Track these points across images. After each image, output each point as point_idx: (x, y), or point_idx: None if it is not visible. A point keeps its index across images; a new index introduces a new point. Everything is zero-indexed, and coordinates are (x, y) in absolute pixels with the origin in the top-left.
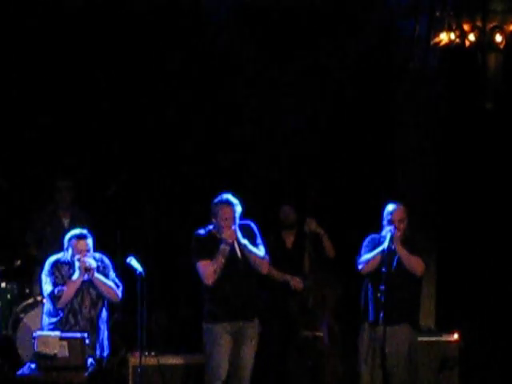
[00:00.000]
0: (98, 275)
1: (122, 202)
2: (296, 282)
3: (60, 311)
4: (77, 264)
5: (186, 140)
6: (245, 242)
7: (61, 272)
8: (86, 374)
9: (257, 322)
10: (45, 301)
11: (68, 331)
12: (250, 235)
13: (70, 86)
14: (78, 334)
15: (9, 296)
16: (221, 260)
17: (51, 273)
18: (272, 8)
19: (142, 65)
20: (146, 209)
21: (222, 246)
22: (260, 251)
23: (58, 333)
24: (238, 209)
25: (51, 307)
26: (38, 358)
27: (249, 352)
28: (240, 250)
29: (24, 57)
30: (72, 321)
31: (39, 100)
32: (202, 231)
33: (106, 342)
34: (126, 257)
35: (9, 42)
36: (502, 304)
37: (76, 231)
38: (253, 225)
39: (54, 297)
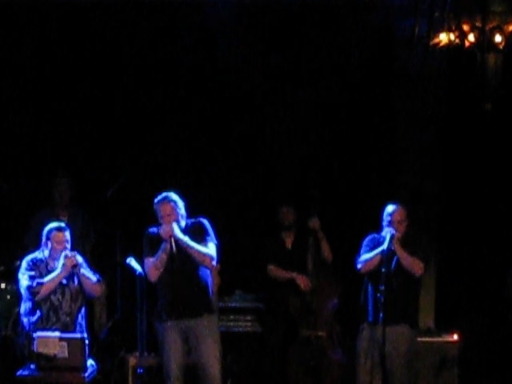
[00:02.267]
0: (83, 270)
1: (123, 202)
2: (304, 281)
3: (38, 310)
4: (62, 260)
5: (186, 140)
6: (183, 237)
7: (38, 269)
8: (86, 375)
9: (211, 317)
10: (22, 301)
11: (50, 328)
12: (198, 232)
13: (69, 86)
14: (78, 335)
15: (9, 297)
16: (161, 256)
17: (28, 269)
18: (271, 7)
19: (143, 66)
20: (145, 209)
21: (164, 243)
22: (205, 247)
23: (57, 333)
24: (179, 205)
25: (29, 304)
26: (38, 358)
27: (207, 349)
28: (178, 246)
29: (23, 57)
30: (53, 318)
31: (39, 100)
32: (152, 229)
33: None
34: (126, 257)
35: (9, 40)
36: (501, 304)
37: (54, 224)
38: (204, 221)
39: (32, 290)
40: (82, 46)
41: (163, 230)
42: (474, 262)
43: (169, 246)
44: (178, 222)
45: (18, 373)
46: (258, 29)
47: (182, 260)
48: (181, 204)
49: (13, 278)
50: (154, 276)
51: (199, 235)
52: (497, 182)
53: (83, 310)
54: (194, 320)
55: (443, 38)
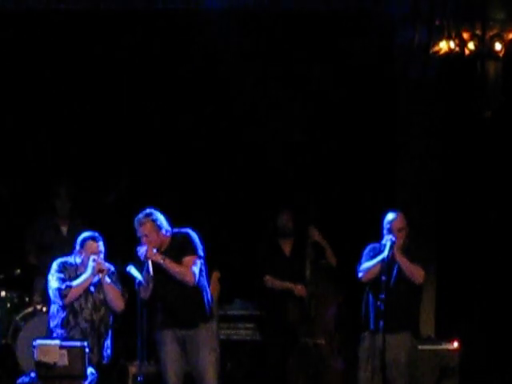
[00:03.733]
0: (108, 279)
1: (122, 209)
2: (299, 289)
3: (65, 311)
4: (91, 263)
5: (187, 146)
6: (159, 259)
7: (68, 273)
8: (87, 383)
9: (208, 326)
10: (52, 304)
11: (68, 331)
12: (183, 245)
13: (71, 93)
14: (78, 343)
15: (8, 305)
16: (144, 276)
17: (58, 271)
18: (271, 13)
19: (143, 71)
20: None
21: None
22: (185, 264)
23: (57, 341)
24: (158, 223)
25: (57, 306)
26: (38, 366)
27: (204, 357)
28: (156, 267)
29: (24, 62)
30: (72, 322)
31: (39, 107)
32: (138, 248)
33: (108, 349)
34: (126, 265)
35: (11, 44)
36: (501, 312)
37: (89, 233)
38: (190, 234)
39: (61, 293)
40: (83, 53)
41: (139, 252)
42: (473, 270)
43: (148, 265)
44: (158, 241)
45: (19, 381)
46: (257, 36)
47: (167, 277)
48: (160, 222)
49: (12, 286)
50: (144, 294)
51: (183, 248)
52: (496, 189)
53: (108, 320)
54: (192, 330)
55: (443, 45)
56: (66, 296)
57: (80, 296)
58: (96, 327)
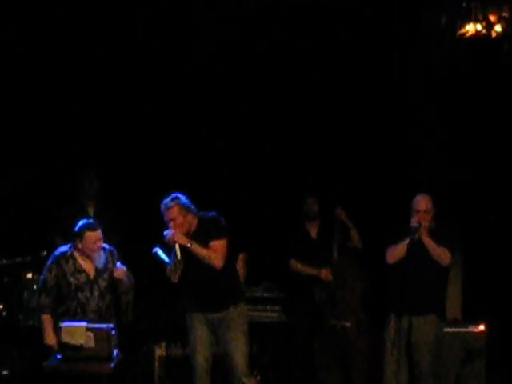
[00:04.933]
0: (126, 279)
1: (147, 191)
2: (325, 274)
3: (67, 301)
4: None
5: (208, 133)
6: (186, 243)
7: (64, 266)
8: (112, 364)
9: (238, 308)
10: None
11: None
12: (209, 228)
13: (99, 83)
14: (105, 325)
15: (35, 286)
16: (174, 260)
17: (51, 264)
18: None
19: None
20: None
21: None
22: (211, 248)
23: (84, 323)
24: (185, 208)
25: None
26: (64, 348)
27: (234, 339)
28: (184, 251)
29: (53, 50)
30: (80, 314)
31: (65, 90)
32: (165, 232)
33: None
34: (153, 247)
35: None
36: None
37: (86, 221)
38: (216, 218)
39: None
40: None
41: (167, 236)
42: (500, 252)
43: (176, 250)
44: (185, 225)
45: (45, 363)
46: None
47: (196, 260)
48: (186, 206)
49: (39, 268)
50: (174, 278)
51: (211, 232)
52: None
53: (112, 304)
54: (221, 313)
55: (470, 28)
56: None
57: (83, 289)
58: (103, 315)
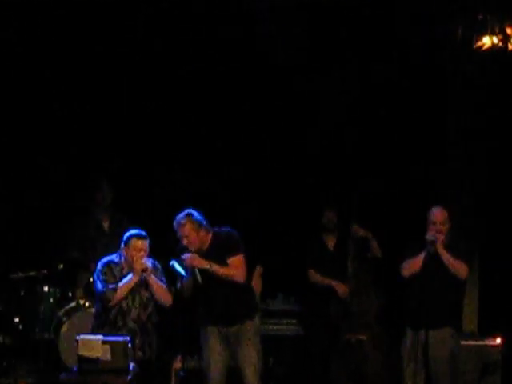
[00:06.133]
0: (153, 277)
1: (164, 204)
2: (343, 290)
3: (109, 312)
4: (135, 264)
5: (232, 142)
6: (205, 266)
7: (113, 272)
8: (129, 377)
9: (252, 323)
10: (97, 304)
11: (116, 332)
12: (225, 244)
13: (108, 82)
14: (121, 338)
15: (51, 300)
16: (191, 279)
17: (102, 272)
18: (318, 9)
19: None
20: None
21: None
22: (230, 264)
23: (100, 336)
24: (198, 224)
25: (99, 308)
26: (80, 361)
27: (245, 353)
28: (203, 273)
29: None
30: (120, 322)
31: (78, 99)
32: (183, 256)
33: (154, 346)
34: (169, 261)
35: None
36: None
37: (136, 231)
38: (231, 233)
39: (104, 295)
40: (115, 49)
41: (185, 261)
42: None
43: (194, 274)
44: (198, 242)
45: (61, 376)
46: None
47: (214, 279)
48: (199, 222)
49: (55, 282)
50: (187, 294)
51: (226, 247)
52: None
53: (154, 317)
54: (235, 326)
55: (486, 41)
56: (110, 300)
57: (126, 297)
58: (144, 326)
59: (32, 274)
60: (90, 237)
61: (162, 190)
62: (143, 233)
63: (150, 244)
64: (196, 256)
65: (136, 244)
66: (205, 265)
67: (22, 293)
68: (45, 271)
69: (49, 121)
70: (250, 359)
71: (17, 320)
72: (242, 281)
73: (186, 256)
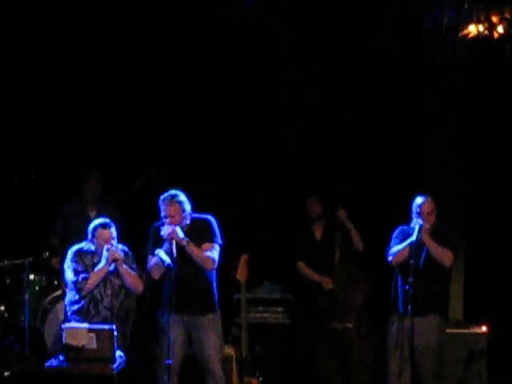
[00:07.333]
0: (124, 265)
1: (149, 194)
2: (326, 283)
3: (82, 300)
4: (105, 253)
5: (214, 134)
6: (183, 242)
7: (83, 261)
8: (115, 366)
9: (214, 315)
10: (67, 290)
11: (89, 321)
12: (203, 230)
13: (96, 75)
14: (107, 326)
15: (37, 288)
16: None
17: (74, 261)
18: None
19: (171, 62)
20: None
21: (165, 244)
22: (207, 250)
23: (86, 324)
24: (185, 206)
25: (74, 295)
26: (66, 349)
27: (209, 342)
28: (179, 249)
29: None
30: (93, 311)
31: (67, 90)
32: (157, 224)
33: (127, 333)
34: (147, 242)
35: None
36: None
37: (100, 220)
38: (210, 220)
39: (77, 285)
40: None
41: (165, 231)
42: (503, 253)
43: (170, 247)
44: (181, 223)
45: (47, 364)
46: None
47: (186, 260)
48: (187, 205)
49: (41, 270)
50: (156, 274)
51: (203, 234)
52: None
53: (125, 304)
54: (198, 317)
55: (472, 29)
56: (81, 289)
57: (98, 285)
58: (116, 313)
59: (17, 262)
60: (76, 226)
61: (149, 178)
62: (107, 220)
63: (117, 229)
64: (178, 229)
65: (103, 233)
66: (183, 241)
67: (8, 281)
68: (30, 259)
69: (37, 110)
70: (215, 349)
71: (2, 308)
72: (213, 268)
73: (168, 228)
